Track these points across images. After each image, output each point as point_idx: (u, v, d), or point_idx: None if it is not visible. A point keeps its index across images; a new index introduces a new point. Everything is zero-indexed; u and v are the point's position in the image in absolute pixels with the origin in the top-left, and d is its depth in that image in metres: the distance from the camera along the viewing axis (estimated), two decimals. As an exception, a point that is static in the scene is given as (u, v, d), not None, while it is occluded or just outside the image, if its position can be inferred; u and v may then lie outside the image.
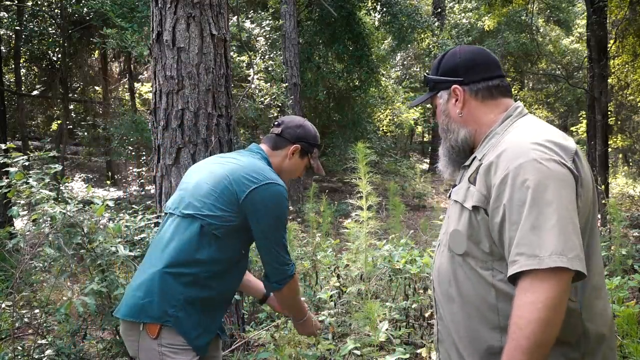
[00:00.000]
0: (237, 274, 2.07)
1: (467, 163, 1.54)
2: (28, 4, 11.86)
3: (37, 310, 3.50)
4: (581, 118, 15.26)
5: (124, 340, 1.99)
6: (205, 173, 2.02)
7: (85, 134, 14.46)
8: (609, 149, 10.97)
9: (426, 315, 3.58)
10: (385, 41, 17.61)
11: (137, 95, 15.82)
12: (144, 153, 12.31)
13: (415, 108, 16.82)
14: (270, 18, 13.29)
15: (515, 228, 1.27)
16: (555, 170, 1.29)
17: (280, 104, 9.91)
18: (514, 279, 1.27)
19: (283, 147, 2.14)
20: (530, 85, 20.74)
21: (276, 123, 2.20)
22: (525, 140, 1.36)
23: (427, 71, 17.14)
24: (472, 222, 1.39)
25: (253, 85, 9.22)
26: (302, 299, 2.32)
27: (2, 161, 3.32)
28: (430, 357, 2.88)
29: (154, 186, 3.76)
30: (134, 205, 4.11)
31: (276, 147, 2.15)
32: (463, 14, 19.58)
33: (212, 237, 1.92)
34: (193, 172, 2.10)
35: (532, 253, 1.23)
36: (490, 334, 1.38)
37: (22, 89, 13.21)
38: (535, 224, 1.24)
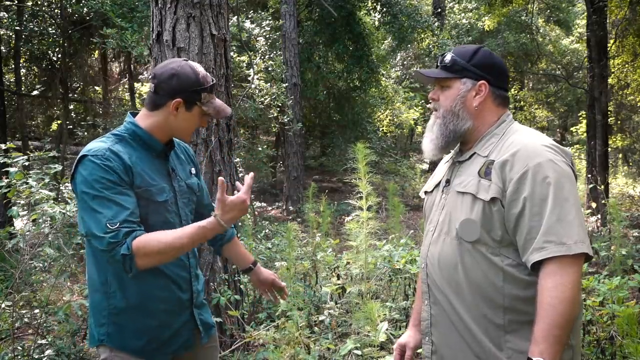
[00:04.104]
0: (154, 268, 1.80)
1: (463, 158, 1.68)
2: (28, 4, 11.85)
3: (37, 310, 3.50)
4: (581, 118, 15.24)
5: None
6: None
7: (85, 134, 14.44)
8: (609, 149, 10.96)
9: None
10: (385, 41, 17.59)
11: (137, 95, 15.81)
12: (144, 153, 12.26)
13: (415, 108, 16.81)
14: (270, 18, 13.28)
15: (538, 219, 1.45)
16: (566, 170, 1.50)
17: (280, 104, 9.90)
18: (537, 264, 1.44)
19: (162, 105, 1.83)
20: (530, 85, 20.71)
21: (150, 76, 1.90)
22: (536, 142, 1.54)
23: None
24: (486, 212, 1.52)
25: (253, 85, 9.22)
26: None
27: (2, 161, 3.32)
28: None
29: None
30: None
31: (155, 106, 1.85)
32: (463, 14, 19.54)
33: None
34: None
35: (561, 241, 1.42)
36: (495, 312, 1.53)
37: (22, 89, 13.20)
38: (560, 217, 1.43)
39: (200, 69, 1.87)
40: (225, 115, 1.94)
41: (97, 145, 1.77)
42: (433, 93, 1.72)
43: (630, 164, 17.45)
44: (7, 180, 3.20)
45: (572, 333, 1.55)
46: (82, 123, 14.85)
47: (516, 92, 18.93)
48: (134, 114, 1.92)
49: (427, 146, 1.71)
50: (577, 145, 16.88)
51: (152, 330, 1.85)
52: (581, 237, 1.43)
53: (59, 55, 12.95)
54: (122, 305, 1.80)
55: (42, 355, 3.13)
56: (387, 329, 2.77)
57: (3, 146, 3.74)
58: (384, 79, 16.16)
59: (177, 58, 1.97)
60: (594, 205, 7.46)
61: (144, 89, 15.74)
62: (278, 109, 10.24)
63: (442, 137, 1.66)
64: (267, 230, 7.91)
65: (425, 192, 1.84)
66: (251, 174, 1.82)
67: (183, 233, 1.73)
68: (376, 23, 15.63)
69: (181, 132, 1.90)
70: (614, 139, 13.77)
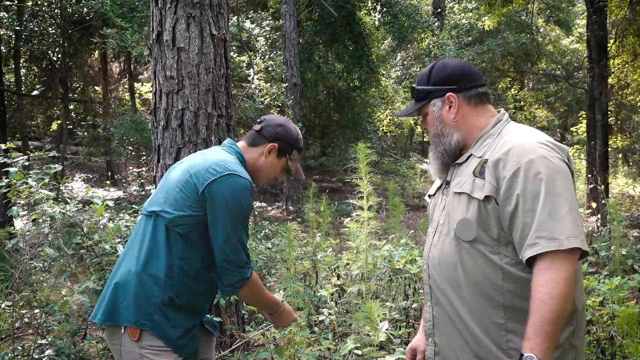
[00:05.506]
0: (214, 272, 2.01)
1: (460, 160, 1.68)
2: (28, 4, 11.85)
3: (37, 310, 3.50)
4: (581, 118, 15.24)
5: (109, 346, 1.97)
6: (175, 170, 2.00)
7: (85, 134, 14.46)
8: (609, 149, 10.96)
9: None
10: (385, 41, 17.60)
11: (137, 95, 15.81)
12: (144, 153, 12.31)
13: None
14: (270, 18, 13.29)
15: (530, 215, 1.44)
16: (560, 166, 1.49)
17: (280, 104, 9.90)
18: (531, 260, 1.44)
19: (260, 145, 2.09)
20: (530, 85, 20.70)
21: (258, 120, 2.16)
22: (530, 140, 1.53)
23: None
24: (482, 211, 1.53)
25: (253, 85, 9.22)
26: (280, 296, 2.24)
27: (2, 161, 3.32)
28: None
29: (153, 186, 3.76)
30: (134, 205, 4.11)
31: (254, 143, 2.10)
32: (463, 14, 19.54)
33: (178, 236, 1.89)
34: (169, 170, 2.09)
35: (552, 236, 1.41)
36: (495, 312, 1.53)
37: (22, 89, 13.21)
38: (551, 212, 1.43)
39: (299, 132, 2.18)
40: (301, 179, 2.25)
41: (240, 169, 1.94)
42: (422, 123, 1.81)
43: (630, 164, 17.45)
44: (7, 180, 3.20)
45: (576, 333, 1.54)
46: (82, 123, 14.86)
47: (516, 92, 18.93)
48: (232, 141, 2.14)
49: (429, 169, 1.81)
50: (577, 145, 16.87)
51: (186, 326, 1.95)
52: (574, 232, 1.41)
53: (59, 55, 12.96)
54: (176, 300, 1.91)
55: (42, 355, 3.13)
56: (387, 329, 2.77)
57: (3, 146, 3.74)
58: (384, 79, 16.17)
59: (284, 117, 2.24)
60: (594, 205, 7.47)
61: (144, 89, 15.74)
62: (278, 109, 10.24)
63: (436, 159, 1.74)
64: (267, 230, 7.90)
65: (429, 196, 1.87)
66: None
67: (271, 296, 2.15)
68: (376, 23, 15.63)
69: (261, 174, 2.12)
70: (614, 139, 13.77)
